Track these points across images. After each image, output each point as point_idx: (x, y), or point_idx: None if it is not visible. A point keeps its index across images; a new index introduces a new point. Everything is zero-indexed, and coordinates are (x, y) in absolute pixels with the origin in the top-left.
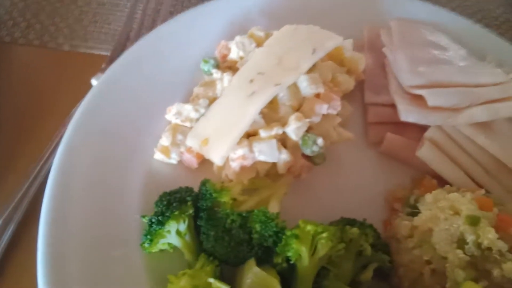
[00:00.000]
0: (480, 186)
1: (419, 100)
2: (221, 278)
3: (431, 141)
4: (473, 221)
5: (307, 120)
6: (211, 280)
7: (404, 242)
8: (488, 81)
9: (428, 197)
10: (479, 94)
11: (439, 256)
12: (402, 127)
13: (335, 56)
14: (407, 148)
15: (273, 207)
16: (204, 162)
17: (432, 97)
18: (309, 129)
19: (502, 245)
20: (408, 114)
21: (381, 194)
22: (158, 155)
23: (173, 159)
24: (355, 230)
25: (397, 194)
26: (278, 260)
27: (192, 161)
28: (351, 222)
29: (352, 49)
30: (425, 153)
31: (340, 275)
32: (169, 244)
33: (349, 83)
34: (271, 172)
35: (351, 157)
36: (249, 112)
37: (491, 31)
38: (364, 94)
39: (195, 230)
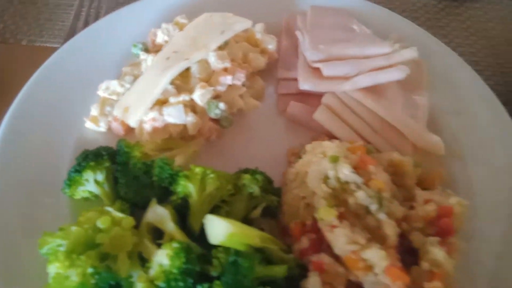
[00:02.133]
0: (368, 141)
1: (319, 72)
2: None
3: (327, 105)
4: (334, 160)
5: (211, 88)
6: (109, 209)
7: (289, 185)
8: (377, 52)
9: (308, 146)
10: (366, 64)
11: (311, 192)
12: (307, 97)
13: (249, 39)
14: (307, 113)
15: (178, 160)
16: (132, 130)
17: (326, 68)
18: (217, 97)
19: (357, 178)
20: (304, 83)
21: (285, 153)
22: (89, 124)
23: (102, 127)
24: (246, 176)
25: (294, 150)
26: (174, 198)
27: (119, 129)
28: (246, 171)
29: (263, 32)
30: (320, 115)
31: (232, 212)
32: (89, 192)
33: (260, 60)
34: (184, 134)
35: (263, 123)
36: (160, 83)
37: (398, 14)
38: (278, 71)
39: (115, 181)
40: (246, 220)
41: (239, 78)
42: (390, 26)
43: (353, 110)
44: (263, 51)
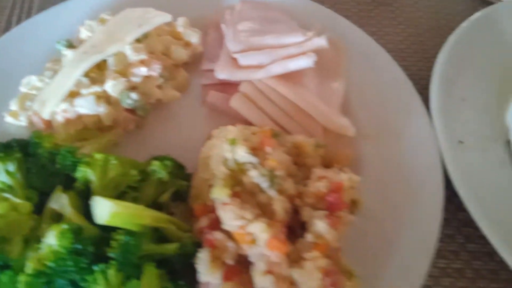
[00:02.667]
0: (281, 125)
1: (237, 62)
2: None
3: (243, 93)
4: (232, 142)
5: (124, 79)
6: (7, 195)
7: (197, 169)
8: (291, 41)
9: (215, 131)
10: (280, 52)
11: (214, 174)
12: (228, 86)
13: (173, 33)
14: (226, 101)
15: (87, 149)
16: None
17: (242, 58)
18: (134, 88)
19: (252, 159)
20: (220, 72)
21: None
22: (8, 118)
23: (22, 121)
24: (155, 162)
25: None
26: (77, 184)
27: (39, 122)
28: (156, 158)
29: (185, 26)
30: (236, 103)
31: (140, 197)
32: (2, 182)
33: (181, 53)
34: (100, 125)
35: (185, 113)
36: (73, 75)
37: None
38: (202, 63)
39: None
40: (156, 204)
41: (155, 69)
42: (315, 17)
43: (268, 97)
44: (187, 44)
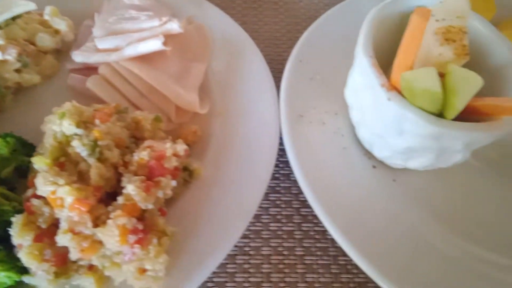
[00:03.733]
0: (136, 105)
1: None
2: None
3: (102, 75)
4: (61, 116)
5: None
6: None
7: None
8: (148, 26)
9: (54, 108)
10: (135, 36)
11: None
12: (93, 71)
13: (42, 21)
14: (84, 83)
15: None
16: None
17: (100, 42)
18: None
19: (77, 131)
20: (77, 56)
21: None
22: None
23: None
24: None
25: None
26: None
27: None
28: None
29: (52, 15)
30: (91, 84)
31: None
32: None
33: (47, 40)
34: None
35: (52, 97)
36: None
37: None
38: (72, 51)
39: None
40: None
41: (10, 53)
42: (187, 6)
43: (126, 78)
44: (56, 32)
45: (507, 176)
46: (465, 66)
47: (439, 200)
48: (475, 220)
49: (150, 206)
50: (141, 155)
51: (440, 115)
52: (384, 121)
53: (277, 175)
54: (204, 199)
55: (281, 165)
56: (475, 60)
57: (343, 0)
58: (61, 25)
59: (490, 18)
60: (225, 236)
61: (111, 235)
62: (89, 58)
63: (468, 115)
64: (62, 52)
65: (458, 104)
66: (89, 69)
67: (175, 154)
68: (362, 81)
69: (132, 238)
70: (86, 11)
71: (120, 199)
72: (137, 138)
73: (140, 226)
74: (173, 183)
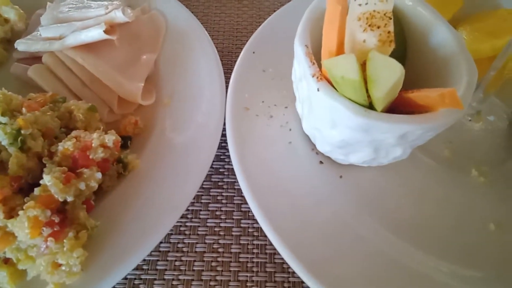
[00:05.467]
0: (77, 95)
1: None
2: None
3: (45, 64)
4: None
5: None
6: None
7: None
8: (94, 15)
9: None
10: (79, 25)
11: None
12: (39, 60)
13: None
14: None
15: None
16: None
17: (43, 31)
18: None
19: (2, 119)
20: (19, 44)
21: None
22: None
23: None
24: None
25: None
26: None
27: None
28: None
29: (1, 4)
30: (33, 73)
31: None
32: None
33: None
34: None
35: None
36: None
37: None
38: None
39: None
40: None
41: None
42: None
43: (70, 67)
44: (6, 21)
45: (459, 174)
46: (410, 53)
47: (382, 197)
48: (416, 220)
49: (70, 198)
50: (66, 145)
51: (372, 107)
52: (319, 113)
53: (221, 170)
54: (136, 192)
55: (227, 160)
56: (419, 47)
57: None
58: (11, 14)
59: (455, 10)
60: (150, 232)
61: (21, 227)
62: (31, 46)
63: (407, 108)
64: (12, 42)
65: (377, 93)
66: (36, 59)
67: (103, 145)
68: (299, 71)
69: (46, 230)
70: (42, 0)
71: (37, 190)
72: (70, 129)
73: (57, 219)
74: (98, 175)
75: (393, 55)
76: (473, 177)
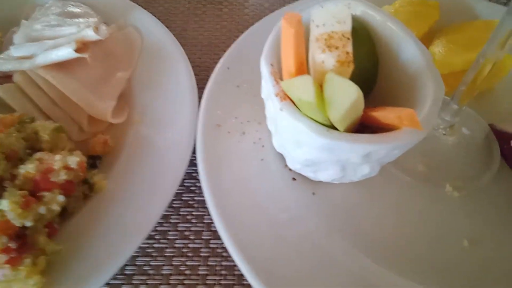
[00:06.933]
0: (47, 115)
1: None
2: None
3: (17, 83)
4: None
5: None
6: None
7: None
8: (65, 33)
9: None
10: (51, 44)
11: None
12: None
13: None
14: None
15: None
16: None
17: (15, 50)
18: None
19: None
20: None
21: None
22: None
23: None
24: None
25: None
26: None
27: None
28: None
29: None
30: (2, 92)
31: None
32: None
33: None
34: None
35: None
36: None
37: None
38: None
39: None
40: None
41: None
42: (121, 12)
43: (40, 86)
44: None
45: (433, 189)
46: (382, 69)
47: (355, 214)
48: (389, 238)
49: (29, 224)
50: (28, 168)
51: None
52: (284, 132)
53: (193, 188)
54: (102, 214)
55: (198, 177)
56: (391, 63)
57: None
58: None
59: (432, 22)
60: (114, 255)
61: None
62: (2, 66)
63: (376, 125)
64: None
65: (334, 115)
66: (8, 77)
67: (67, 167)
68: (266, 90)
69: (2, 257)
70: (18, 18)
71: None
72: (37, 150)
73: (14, 245)
74: (61, 198)
75: (365, 71)
76: (447, 192)
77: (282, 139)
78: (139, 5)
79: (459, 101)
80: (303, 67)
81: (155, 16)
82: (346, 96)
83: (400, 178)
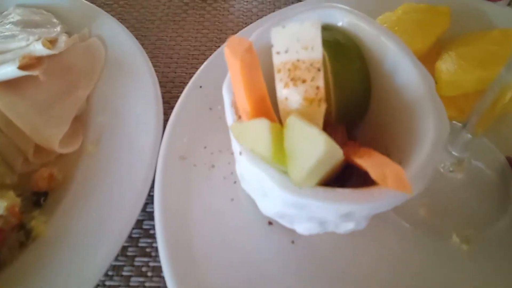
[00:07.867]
0: None
1: None
2: None
3: None
4: None
5: None
6: None
7: None
8: (16, 46)
9: None
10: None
11: None
12: None
13: None
14: None
15: None
16: None
17: None
18: None
19: None
20: None
21: None
22: None
23: None
24: None
25: None
26: None
27: None
28: None
29: None
30: None
31: None
32: None
33: None
34: None
35: None
36: None
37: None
38: None
39: None
40: None
41: None
42: (88, 21)
43: None
44: None
45: (436, 240)
46: (375, 92)
47: (341, 269)
48: None
49: None
50: None
51: None
52: (248, 179)
53: (152, 232)
54: (39, 265)
55: None
56: (385, 86)
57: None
58: None
59: (441, 32)
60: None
61: None
62: None
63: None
64: None
65: (296, 174)
66: None
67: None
68: (228, 122)
69: None
70: None
71: None
72: None
73: None
74: None
75: (355, 94)
76: (453, 244)
77: (248, 186)
78: (113, 10)
79: (475, 129)
80: (263, 105)
81: (129, 23)
82: (311, 149)
83: (397, 224)
